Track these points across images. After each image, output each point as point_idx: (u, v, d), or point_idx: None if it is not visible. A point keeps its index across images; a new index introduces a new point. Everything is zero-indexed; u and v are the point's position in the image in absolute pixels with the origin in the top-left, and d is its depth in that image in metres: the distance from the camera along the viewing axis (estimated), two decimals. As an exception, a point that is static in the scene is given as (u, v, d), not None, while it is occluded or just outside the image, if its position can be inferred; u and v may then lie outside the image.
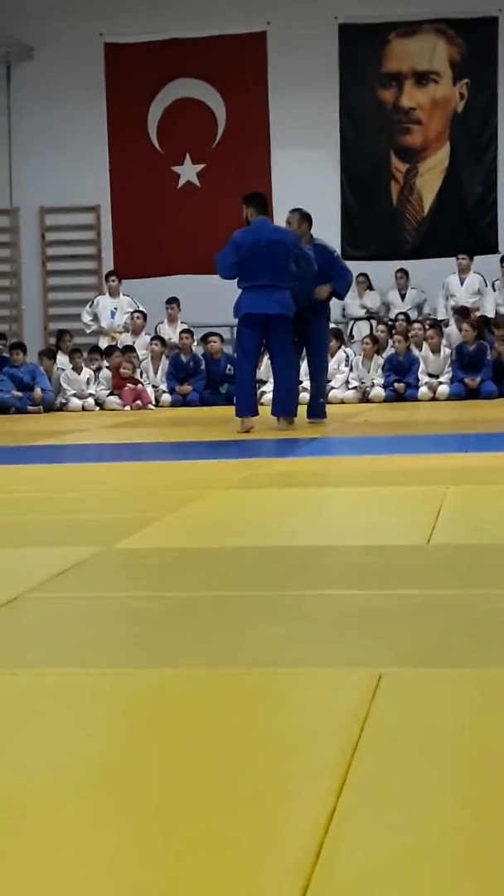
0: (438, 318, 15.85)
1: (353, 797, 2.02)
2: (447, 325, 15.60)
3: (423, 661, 2.85)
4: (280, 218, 16.59)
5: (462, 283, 16.34)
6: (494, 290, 16.30)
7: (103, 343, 16.23)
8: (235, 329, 10.96)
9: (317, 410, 11.12)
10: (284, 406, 10.54)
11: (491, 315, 15.71)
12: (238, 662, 2.90)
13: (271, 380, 11.18)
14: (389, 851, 1.83)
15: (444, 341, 14.99)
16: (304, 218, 10.91)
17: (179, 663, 2.92)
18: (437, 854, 1.81)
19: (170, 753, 2.30)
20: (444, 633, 3.10)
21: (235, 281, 10.47)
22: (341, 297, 11.58)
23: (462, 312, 15.17)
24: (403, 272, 16.99)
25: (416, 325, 15.36)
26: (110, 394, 14.94)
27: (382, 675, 2.68)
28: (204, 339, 15.36)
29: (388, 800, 2.02)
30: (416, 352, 14.81)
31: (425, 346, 14.83)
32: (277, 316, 10.20)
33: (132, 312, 16.29)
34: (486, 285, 16.30)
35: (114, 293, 16.66)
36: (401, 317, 15.98)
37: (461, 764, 2.19)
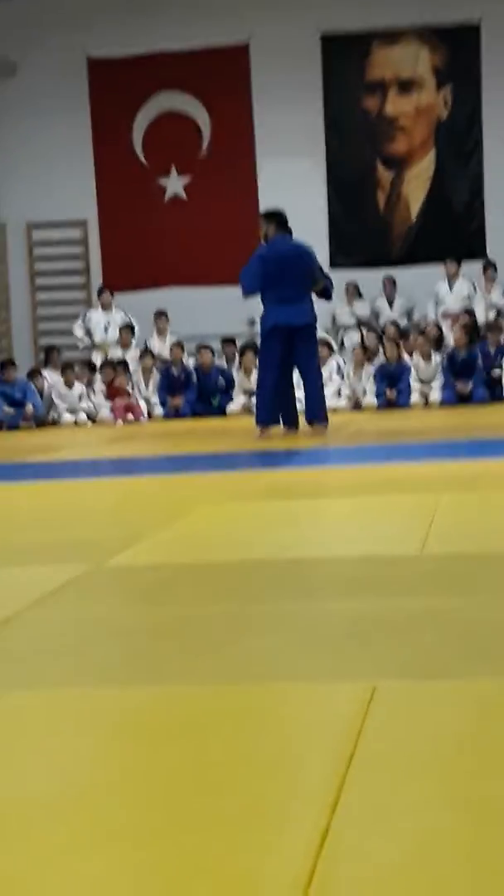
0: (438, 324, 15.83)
1: (347, 814, 2.00)
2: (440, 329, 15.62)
3: (417, 673, 2.83)
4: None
5: (451, 290, 16.36)
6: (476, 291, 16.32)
7: (96, 358, 16.22)
8: (259, 341, 11.10)
9: (324, 413, 11.25)
10: (318, 412, 10.82)
11: (481, 320, 15.71)
12: (231, 678, 2.88)
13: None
14: (385, 869, 1.80)
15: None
16: (266, 218, 10.93)
17: (172, 681, 2.90)
18: (433, 871, 1.79)
19: (163, 772, 2.28)
20: (438, 644, 3.08)
21: (241, 293, 10.89)
22: (330, 298, 11.56)
23: (467, 313, 15.23)
24: (391, 280, 17.00)
25: (412, 336, 15.36)
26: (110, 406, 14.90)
27: (377, 687, 2.66)
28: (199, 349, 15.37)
29: (383, 816, 2.00)
30: (407, 359, 14.81)
31: (416, 353, 14.83)
32: (305, 326, 10.61)
33: (120, 328, 16.28)
34: (476, 290, 16.32)
35: (106, 307, 16.64)
36: (392, 325, 16.00)
37: (457, 779, 2.17)
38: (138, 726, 2.61)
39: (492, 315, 16.09)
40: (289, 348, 10.66)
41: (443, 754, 2.28)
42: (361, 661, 2.95)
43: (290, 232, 10.86)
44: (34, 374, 15.30)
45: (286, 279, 10.47)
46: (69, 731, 2.59)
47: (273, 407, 10.83)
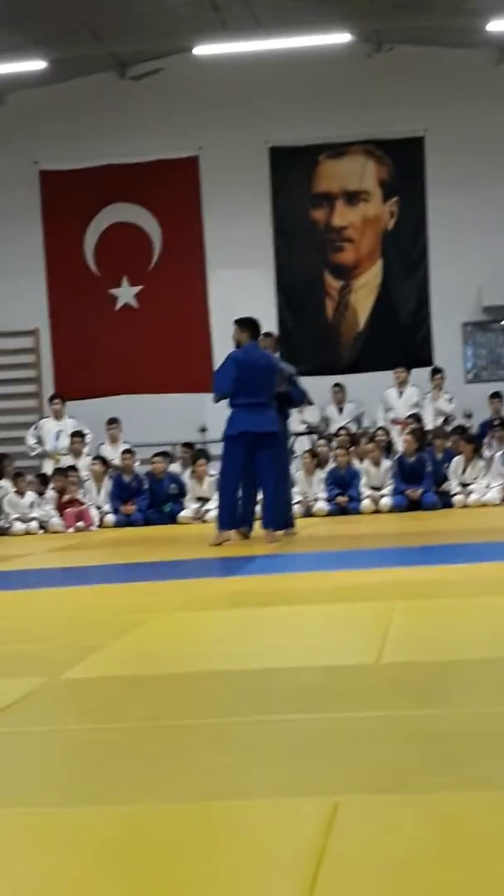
0: (387, 429, 15.98)
1: (313, 936, 1.98)
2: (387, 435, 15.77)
3: (379, 788, 2.82)
4: (219, 335, 16.87)
5: (400, 396, 16.55)
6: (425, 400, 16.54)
7: (48, 466, 16.19)
8: (223, 445, 11.16)
9: (289, 521, 11.50)
10: (274, 519, 10.89)
11: (430, 426, 15.88)
12: (189, 796, 2.86)
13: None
14: None
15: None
16: (239, 325, 11.10)
17: (131, 800, 2.87)
18: None
19: (125, 893, 2.25)
20: (398, 757, 3.08)
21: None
22: (294, 405, 11.70)
23: (414, 418, 15.41)
24: (340, 386, 17.19)
25: (363, 440, 15.49)
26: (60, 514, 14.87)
27: (338, 803, 2.64)
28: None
29: (349, 937, 1.98)
30: (357, 465, 14.90)
31: (366, 459, 14.93)
32: (270, 434, 10.79)
33: (71, 435, 16.29)
34: (424, 398, 16.53)
35: (58, 415, 16.67)
36: (342, 431, 16.13)
37: (422, 895, 2.15)
38: (98, 847, 2.58)
39: (440, 421, 16.27)
40: (251, 454, 10.80)
41: (408, 871, 2.26)
42: (322, 775, 2.94)
43: (256, 340, 11.05)
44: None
45: (255, 386, 10.66)
46: (27, 852, 2.55)
47: (234, 512, 10.92)
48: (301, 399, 11.75)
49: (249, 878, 2.30)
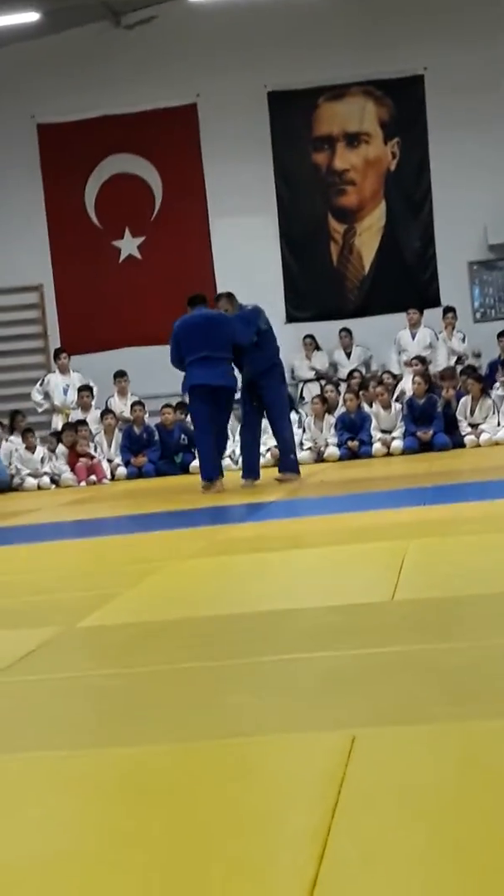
0: (394, 373, 15.93)
1: (334, 863, 1.99)
2: (401, 379, 15.70)
3: (396, 720, 2.83)
4: (223, 284, 16.81)
5: (413, 338, 16.45)
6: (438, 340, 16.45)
7: (57, 421, 16.20)
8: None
9: (288, 465, 11.58)
10: (211, 471, 11.27)
11: (443, 367, 15.80)
12: (210, 734, 2.87)
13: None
14: (375, 917, 1.80)
15: (397, 394, 15.12)
16: (225, 298, 11.65)
17: (151, 740, 2.88)
18: (424, 916, 1.78)
19: (147, 832, 2.26)
20: (415, 690, 3.09)
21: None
22: (240, 347, 11.60)
23: (420, 360, 15.31)
24: (347, 331, 17.12)
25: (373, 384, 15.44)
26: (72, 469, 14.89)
27: (356, 736, 2.65)
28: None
29: (370, 864, 1.99)
30: (367, 409, 14.88)
31: (376, 402, 14.90)
32: (220, 388, 11.10)
33: (79, 389, 16.28)
34: (437, 338, 16.43)
35: (64, 370, 16.65)
36: (356, 374, 16.09)
37: (441, 822, 2.16)
38: (120, 787, 2.60)
39: (453, 361, 16.20)
40: (215, 405, 11.17)
41: (426, 800, 2.27)
42: (340, 710, 2.95)
43: (204, 304, 11.47)
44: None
45: (196, 342, 11.06)
46: (50, 794, 2.57)
47: (215, 462, 11.32)
48: (242, 341, 11.55)
49: (270, 808, 2.31)
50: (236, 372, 11.40)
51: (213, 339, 11.06)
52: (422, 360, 15.56)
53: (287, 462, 11.56)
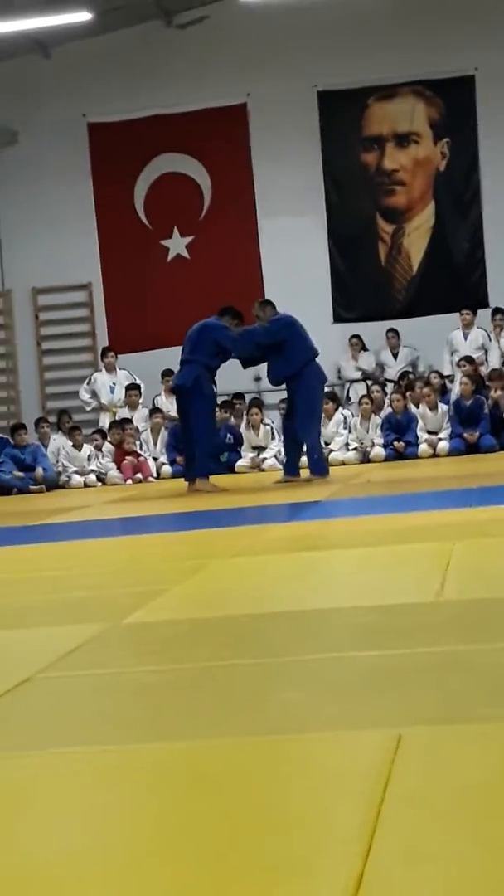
0: (444, 374, 15.87)
1: (379, 861, 1.99)
2: (452, 380, 15.63)
3: (441, 719, 2.82)
4: (271, 284, 16.87)
5: (466, 339, 16.37)
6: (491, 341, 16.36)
7: (104, 419, 16.27)
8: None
9: (313, 467, 11.64)
10: (185, 471, 12.05)
11: (496, 367, 15.72)
12: (255, 731, 2.87)
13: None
14: (421, 915, 1.80)
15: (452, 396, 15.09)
16: (258, 305, 12.08)
17: (196, 735, 2.89)
18: (470, 915, 1.78)
19: (193, 827, 2.27)
20: (460, 690, 3.08)
21: (231, 355, 11.81)
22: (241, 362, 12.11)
23: (468, 360, 15.25)
24: (394, 332, 17.06)
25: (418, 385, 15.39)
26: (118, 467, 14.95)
27: (402, 734, 2.65)
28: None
29: (416, 862, 1.99)
30: (413, 409, 14.84)
31: (422, 403, 14.86)
32: (178, 387, 11.84)
33: (126, 388, 16.34)
34: (490, 339, 16.33)
35: (111, 369, 16.73)
36: (409, 375, 16.03)
37: (487, 821, 2.16)
38: (165, 782, 2.61)
39: (501, 362, 16.10)
40: (182, 406, 11.82)
41: (472, 798, 2.27)
42: (386, 708, 2.95)
43: (230, 315, 11.87)
44: (39, 422, 15.59)
45: (184, 349, 11.83)
46: (96, 789, 2.58)
47: (191, 463, 11.81)
48: (243, 356, 11.91)
49: (317, 805, 2.31)
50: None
51: (195, 344, 11.64)
52: (470, 360, 15.48)
53: (310, 464, 11.66)
